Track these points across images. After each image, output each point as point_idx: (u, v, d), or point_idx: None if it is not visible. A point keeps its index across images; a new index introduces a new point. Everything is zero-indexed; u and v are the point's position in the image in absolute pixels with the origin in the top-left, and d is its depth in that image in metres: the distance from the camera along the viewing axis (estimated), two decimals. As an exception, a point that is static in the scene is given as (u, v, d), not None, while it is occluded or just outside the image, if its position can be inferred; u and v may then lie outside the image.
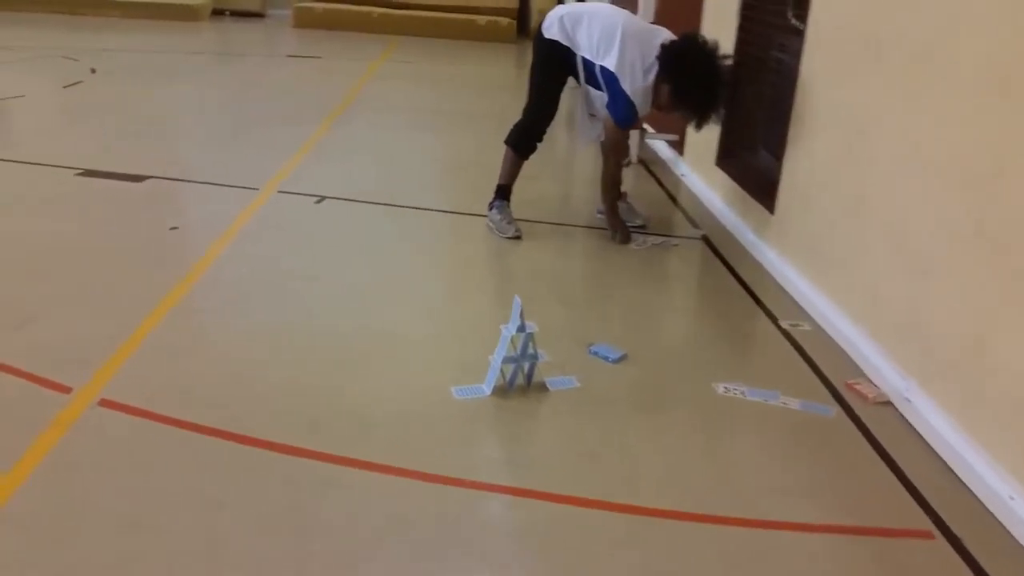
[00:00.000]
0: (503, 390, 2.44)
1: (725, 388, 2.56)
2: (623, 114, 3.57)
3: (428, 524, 1.88)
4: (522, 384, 2.48)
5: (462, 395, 2.41)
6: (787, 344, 2.90)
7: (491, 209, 3.80)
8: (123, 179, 4.13)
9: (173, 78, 6.93)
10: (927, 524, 2.00)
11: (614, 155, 3.71)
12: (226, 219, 3.66)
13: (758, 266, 3.60)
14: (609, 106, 3.59)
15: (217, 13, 10.47)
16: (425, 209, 4.04)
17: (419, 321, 2.86)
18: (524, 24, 9.96)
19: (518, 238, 3.70)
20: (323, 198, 4.05)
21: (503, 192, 3.81)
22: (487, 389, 2.43)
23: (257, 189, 4.12)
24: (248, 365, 2.49)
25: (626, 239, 3.78)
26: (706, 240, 3.91)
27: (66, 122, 5.43)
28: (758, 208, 3.81)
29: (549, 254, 3.59)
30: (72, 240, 3.34)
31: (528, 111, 3.75)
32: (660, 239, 3.84)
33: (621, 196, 4.06)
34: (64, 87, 6.22)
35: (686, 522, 1.97)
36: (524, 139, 3.75)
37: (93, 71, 6.86)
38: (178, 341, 2.59)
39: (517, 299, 2.42)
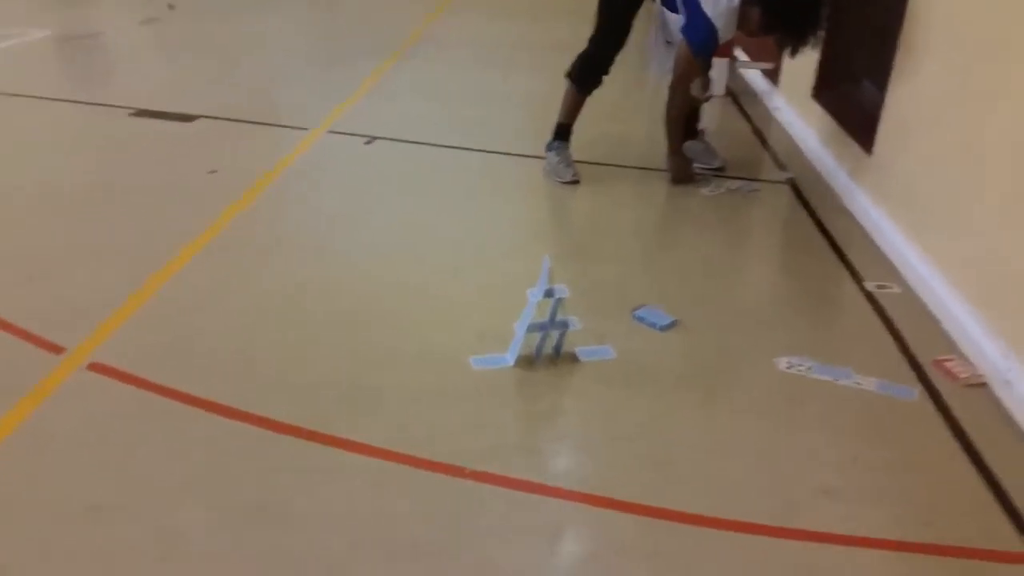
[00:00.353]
0: (528, 360, 2.17)
1: (789, 364, 2.20)
2: (700, 38, 3.14)
3: (422, 524, 1.65)
4: (550, 354, 2.20)
5: (481, 365, 2.15)
6: (870, 310, 2.49)
7: (548, 150, 3.47)
8: (174, 119, 4.02)
9: (250, 13, 6.79)
10: (1022, 544, 1.64)
11: (681, 85, 3.29)
12: (268, 161, 3.48)
13: (849, 216, 3.15)
14: (684, 29, 3.17)
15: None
16: (479, 151, 3.75)
17: (448, 278, 2.60)
18: None
19: (576, 183, 3.38)
20: (373, 139, 3.82)
21: (562, 132, 3.47)
22: (510, 359, 2.16)
23: (307, 129, 3.92)
24: (255, 327, 2.31)
25: (681, 178, 3.39)
26: (792, 185, 3.47)
27: (133, 60, 5.38)
28: (855, 148, 3.33)
29: (608, 201, 3.25)
30: (102, 186, 3.23)
31: (593, 39, 3.36)
32: (738, 183, 3.43)
33: (698, 134, 3.65)
34: (140, 23, 6.18)
35: (721, 531, 1.67)
36: (587, 71, 3.37)
37: (171, 7, 6.80)
38: (187, 297, 2.43)
39: (546, 259, 2.13)
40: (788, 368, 2.19)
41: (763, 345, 2.28)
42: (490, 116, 4.30)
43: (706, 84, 3.47)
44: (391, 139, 3.84)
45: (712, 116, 4.23)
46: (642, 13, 3.32)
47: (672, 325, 2.36)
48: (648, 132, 4.19)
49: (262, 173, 3.36)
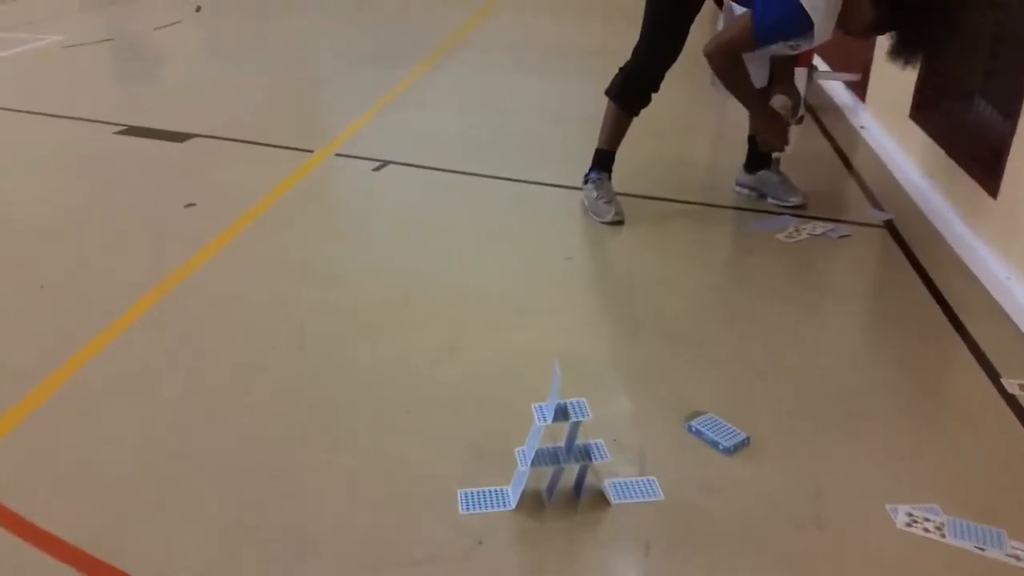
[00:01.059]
0: (535, 500, 1.56)
1: (910, 518, 1.55)
2: (772, 17, 2.36)
3: None
4: (568, 492, 1.59)
5: (471, 508, 1.55)
6: (1017, 424, 1.82)
7: (586, 183, 2.85)
8: (164, 138, 3.51)
9: (278, 15, 6.30)
10: None
11: (719, 57, 2.50)
12: (258, 192, 2.94)
13: (968, 276, 2.46)
14: (757, 2, 2.41)
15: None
16: (507, 179, 3.15)
17: (441, 357, 2.01)
18: None
19: (618, 223, 2.75)
20: (384, 163, 3.25)
21: (602, 160, 2.84)
22: (511, 499, 1.56)
23: (311, 152, 3.37)
24: (170, 436, 1.75)
25: (780, 141, 2.70)
26: (891, 228, 2.79)
27: (136, 69, 4.92)
28: (971, 186, 2.64)
29: (657, 248, 2.62)
30: (53, 220, 2.72)
31: (638, 51, 2.72)
32: (823, 227, 2.76)
33: (772, 163, 2.99)
34: (155, 29, 5.74)
35: None
36: (631, 88, 2.73)
37: (198, 9, 6.36)
38: (93, 394, 1.87)
39: (556, 369, 1.52)
40: (910, 524, 1.53)
41: (870, 483, 1.63)
42: (528, 133, 3.70)
43: (796, 102, 2.78)
44: (405, 164, 3.27)
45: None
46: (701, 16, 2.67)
47: (741, 446, 1.73)
48: (712, 158, 3.54)
49: (244, 209, 2.81)
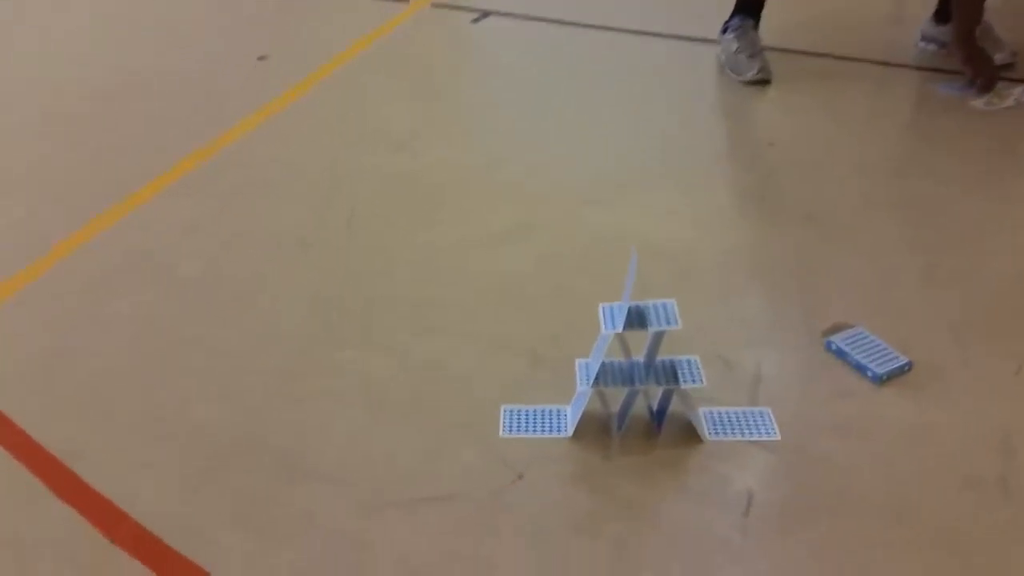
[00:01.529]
0: (600, 427, 1.18)
1: None
2: None
3: None
4: (647, 421, 1.19)
5: (515, 430, 1.18)
6: None
7: (724, 32, 2.30)
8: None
9: None
10: None
11: None
12: (338, 44, 2.58)
13: None
14: None
15: None
16: (631, 32, 2.62)
17: (505, 240, 1.61)
18: None
19: (764, 83, 2.20)
20: (486, 13, 2.79)
21: (746, 4, 2.27)
22: (568, 425, 1.18)
23: (407, 1, 2.96)
24: (176, 321, 1.46)
25: (990, 84, 2.11)
26: None
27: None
28: None
29: (809, 115, 2.07)
30: (122, 78, 2.47)
31: None
32: (1034, 93, 2.11)
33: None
34: None
35: None
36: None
37: None
38: (103, 267, 1.61)
39: (633, 259, 1.09)
40: None
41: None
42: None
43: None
44: (511, 15, 2.80)
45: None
46: None
47: (899, 373, 1.25)
48: (894, 6, 2.85)
49: (323, 62, 2.47)
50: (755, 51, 2.23)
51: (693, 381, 1.13)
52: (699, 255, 1.56)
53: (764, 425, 1.18)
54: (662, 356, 1.14)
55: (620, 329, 1.07)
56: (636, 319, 1.08)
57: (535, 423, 1.19)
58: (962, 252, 1.55)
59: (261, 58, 2.53)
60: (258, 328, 1.41)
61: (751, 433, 1.17)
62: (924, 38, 2.40)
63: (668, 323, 1.07)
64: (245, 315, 1.44)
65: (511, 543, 1.03)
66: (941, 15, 2.34)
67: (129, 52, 2.69)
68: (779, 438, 1.17)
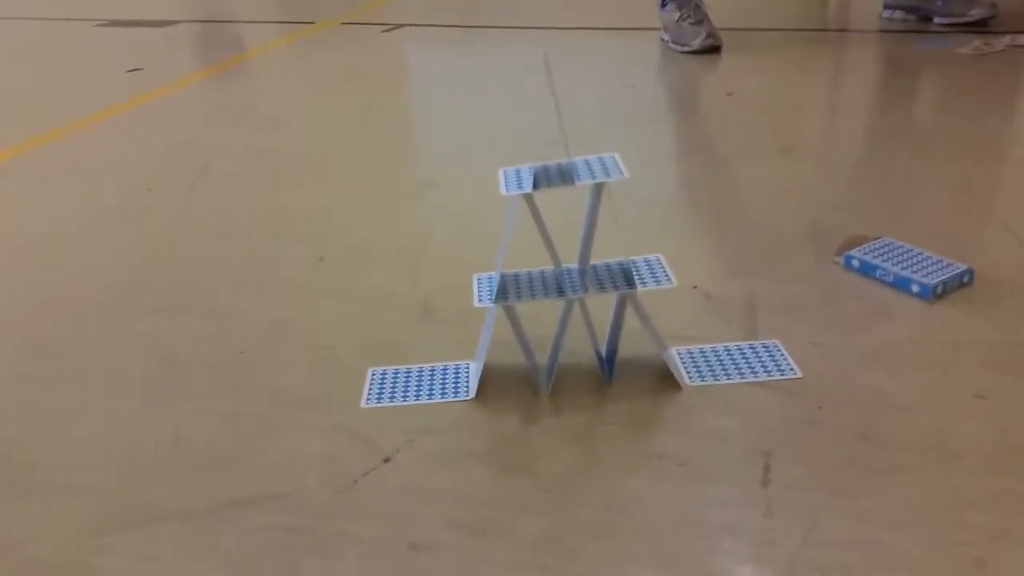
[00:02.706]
0: (524, 385, 0.75)
1: None
2: None
3: None
4: (591, 369, 0.76)
5: (383, 400, 0.74)
6: None
7: (663, 5, 1.99)
8: (146, 25, 2.86)
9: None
10: None
11: None
12: (219, 57, 2.23)
13: None
14: None
15: None
16: (537, 27, 2.32)
17: (408, 198, 1.21)
18: None
19: (714, 49, 1.88)
20: (397, 26, 2.48)
21: (687, -33, 1.98)
22: (470, 386, 0.74)
23: (313, 23, 2.65)
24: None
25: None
26: None
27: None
28: None
29: (772, 72, 1.74)
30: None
31: None
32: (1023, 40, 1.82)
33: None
34: None
35: None
36: None
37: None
38: None
39: (545, 61, 0.69)
40: None
41: None
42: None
43: None
44: (423, 25, 2.50)
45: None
46: None
47: (956, 284, 0.85)
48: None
49: (193, 71, 2.11)
50: (700, 16, 1.92)
51: (657, 282, 0.70)
52: (662, 192, 1.17)
53: (775, 361, 0.76)
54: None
55: (529, 188, 0.65)
56: (556, 175, 0.67)
57: (418, 387, 0.76)
58: (987, 163, 1.18)
59: (133, 70, 2.16)
60: (42, 294, 0.97)
61: (756, 373, 0.75)
62: (888, 5, 2.12)
63: (608, 174, 0.65)
64: (34, 280, 1.00)
65: (353, 568, 0.58)
66: (903, -24, 2.07)
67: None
68: (800, 375, 0.74)
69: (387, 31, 2.44)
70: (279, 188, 1.28)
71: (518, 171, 0.68)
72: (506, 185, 0.66)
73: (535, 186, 0.65)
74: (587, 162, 0.68)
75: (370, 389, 0.76)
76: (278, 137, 1.54)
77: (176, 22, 2.89)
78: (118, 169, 1.41)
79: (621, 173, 0.65)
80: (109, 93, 1.92)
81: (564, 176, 0.66)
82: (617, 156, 0.68)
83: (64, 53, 2.49)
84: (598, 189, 0.67)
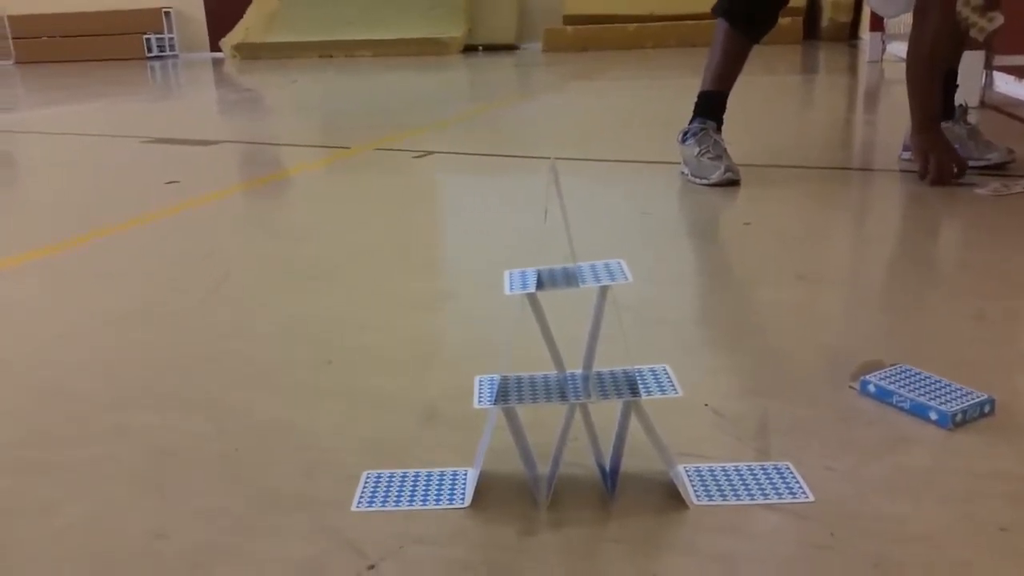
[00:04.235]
0: (522, 496, 0.72)
1: None
2: None
3: None
4: (593, 483, 0.73)
5: (374, 504, 0.71)
6: None
7: (683, 140, 2.04)
8: (192, 143, 3.00)
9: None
10: None
11: (942, 6, 1.80)
12: (257, 174, 2.31)
13: None
14: None
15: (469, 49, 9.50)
16: (573, 159, 2.39)
17: (417, 309, 1.21)
18: (813, 24, 7.79)
19: (732, 183, 1.92)
20: (428, 152, 2.58)
21: (708, 105, 2.04)
22: (465, 493, 0.72)
23: (349, 148, 2.76)
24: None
25: (942, 171, 1.83)
26: None
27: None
28: None
29: (790, 204, 1.76)
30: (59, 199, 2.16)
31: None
32: (1043, 182, 1.84)
33: (957, 112, 2.10)
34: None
35: None
36: (750, 3, 1.97)
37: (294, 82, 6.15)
38: None
39: (552, 166, 0.70)
40: None
41: None
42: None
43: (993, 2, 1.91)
44: (454, 153, 2.59)
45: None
46: None
47: (977, 414, 0.82)
48: (868, 126, 2.69)
49: (228, 186, 2.18)
50: (719, 152, 1.97)
51: (663, 391, 0.68)
52: (674, 311, 1.16)
53: (786, 483, 0.73)
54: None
55: (532, 288, 0.65)
56: (561, 277, 0.66)
57: (412, 491, 0.73)
58: (1007, 296, 1.17)
59: (171, 182, 2.24)
60: (46, 388, 0.96)
61: (767, 494, 0.71)
62: (907, 147, 2.17)
63: (613, 277, 0.65)
64: (40, 374, 1.00)
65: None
66: (921, 121, 2.12)
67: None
68: (812, 499, 0.71)
69: (418, 157, 2.53)
70: (296, 295, 1.29)
71: (523, 273, 0.68)
72: (510, 285, 0.66)
73: (539, 287, 0.65)
74: (592, 267, 0.67)
75: (363, 492, 0.73)
76: (301, 248, 1.57)
77: (219, 142, 3.04)
78: (140, 274, 1.44)
79: (626, 278, 0.64)
80: (144, 203, 1.99)
81: (569, 279, 0.65)
82: (623, 262, 0.68)
83: (106, 166, 2.61)
84: (603, 293, 0.67)
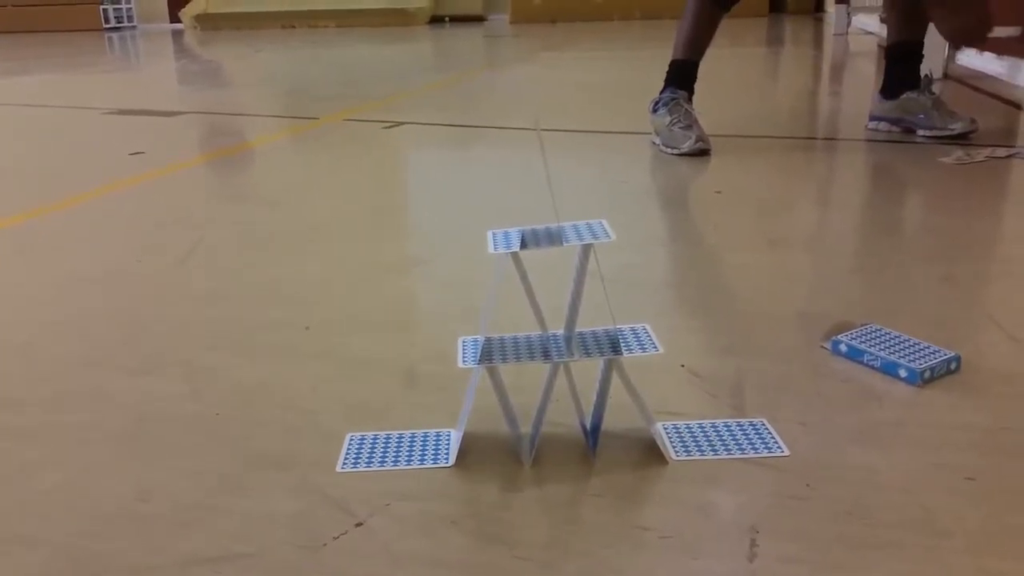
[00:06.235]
0: (505, 454, 0.73)
1: None
2: None
3: None
4: (575, 441, 0.74)
5: (359, 464, 0.72)
6: None
7: (655, 109, 2.06)
8: (156, 115, 2.94)
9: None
10: None
11: None
12: (220, 146, 2.28)
13: None
14: None
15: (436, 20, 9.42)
16: (549, 130, 2.39)
17: (390, 272, 1.21)
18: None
19: (703, 152, 1.93)
20: (399, 123, 2.56)
21: (679, 74, 2.05)
22: (449, 453, 0.72)
23: (317, 118, 2.73)
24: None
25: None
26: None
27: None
28: None
29: (758, 171, 1.78)
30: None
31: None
32: (1009, 150, 1.88)
33: (922, 82, 2.13)
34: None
35: None
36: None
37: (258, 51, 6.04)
38: None
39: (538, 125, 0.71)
40: None
41: None
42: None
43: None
44: (425, 124, 2.57)
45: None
46: None
47: (944, 371, 0.85)
48: (833, 95, 2.72)
49: (194, 156, 2.15)
50: (690, 121, 1.98)
51: (643, 349, 0.70)
52: (649, 275, 1.17)
53: (762, 439, 0.75)
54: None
55: (516, 247, 0.66)
56: (544, 237, 0.67)
57: (396, 452, 0.74)
58: (972, 259, 1.20)
59: (136, 153, 2.21)
60: (22, 352, 0.95)
61: (743, 449, 0.73)
62: (873, 117, 2.20)
63: (596, 236, 0.66)
64: (14, 339, 0.99)
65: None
66: (887, 91, 2.16)
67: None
68: (787, 453, 0.73)
69: (388, 128, 2.51)
70: (269, 260, 1.29)
71: (506, 233, 0.69)
72: (494, 244, 0.66)
73: (523, 246, 0.66)
74: (575, 226, 0.68)
75: (347, 453, 0.74)
76: (272, 214, 1.56)
77: (184, 113, 2.98)
78: (112, 239, 1.42)
79: (608, 236, 0.65)
80: (110, 173, 1.96)
81: (552, 238, 0.66)
82: (605, 222, 0.68)
83: (69, 137, 2.55)
84: (586, 252, 0.67)
